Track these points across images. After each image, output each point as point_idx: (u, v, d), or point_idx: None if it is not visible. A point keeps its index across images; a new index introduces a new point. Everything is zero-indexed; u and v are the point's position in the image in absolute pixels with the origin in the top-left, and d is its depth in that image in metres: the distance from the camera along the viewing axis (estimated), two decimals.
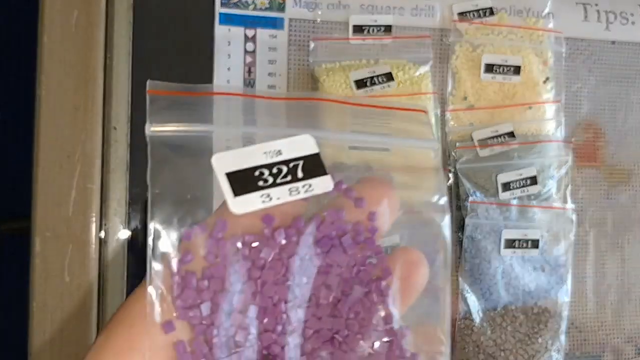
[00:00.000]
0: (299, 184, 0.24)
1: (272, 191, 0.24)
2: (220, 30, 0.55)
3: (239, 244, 0.24)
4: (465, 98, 0.55)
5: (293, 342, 0.24)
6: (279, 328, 0.24)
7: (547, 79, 0.56)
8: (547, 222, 0.55)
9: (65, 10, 0.53)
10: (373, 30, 0.55)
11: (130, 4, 0.55)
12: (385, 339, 0.25)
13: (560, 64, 0.57)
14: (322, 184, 0.25)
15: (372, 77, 0.53)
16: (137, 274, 0.54)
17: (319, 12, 0.55)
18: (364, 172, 0.27)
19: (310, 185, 0.24)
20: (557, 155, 0.56)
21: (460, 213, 0.55)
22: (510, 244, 0.54)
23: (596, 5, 0.59)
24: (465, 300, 0.54)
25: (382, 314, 0.25)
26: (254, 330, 0.24)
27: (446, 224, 0.26)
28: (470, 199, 0.54)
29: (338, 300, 0.25)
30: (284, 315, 0.24)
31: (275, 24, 0.56)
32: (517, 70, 0.55)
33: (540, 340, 0.54)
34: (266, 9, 0.56)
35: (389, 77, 0.53)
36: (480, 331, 0.53)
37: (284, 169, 0.24)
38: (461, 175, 0.54)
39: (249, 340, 0.24)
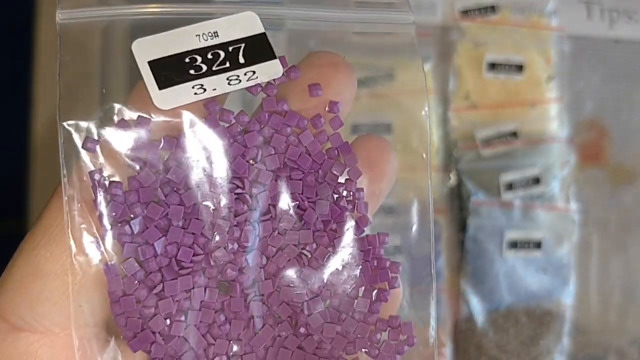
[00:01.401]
0: (240, 71, 0.20)
1: (207, 80, 0.20)
2: None
3: (171, 146, 0.20)
4: (467, 97, 0.55)
5: (253, 262, 0.20)
6: (234, 246, 0.20)
7: (551, 77, 0.55)
8: (550, 223, 0.55)
9: None
10: None
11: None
12: (360, 249, 0.21)
13: (564, 63, 0.56)
14: (269, 70, 0.21)
15: (373, 77, 0.52)
16: None
17: None
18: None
19: (254, 72, 0.20)
20: (560, 155, 0.55)
21: (462, 214, 0.54)
22: (513, 245, 0.54)
23: (599, 3, 0.58)
24: (467, 302, 0.53)
25: (354, 221, 0.21)
26: (200, 250, 0.20)
27: (425, 113, 0.22)
28: (473, 199, 0.53)
29: (304, 210, 0.21)
30: (237, 230, 0.20)
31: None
32: (520, 68, 0.54)
33: (543, 342, 0.54)
34: None
35: (390, 76, 0.52)
36: (482, 333, 0.53)
37: (222, 54, 0.20)
38: (463, 175, 0.54)
39: (195, 262, 0.20)
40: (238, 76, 0.20)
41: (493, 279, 0.53)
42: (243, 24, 0.20)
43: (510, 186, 0.54)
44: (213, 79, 0.20)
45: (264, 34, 0.21)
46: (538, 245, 0.54)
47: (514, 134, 0.54)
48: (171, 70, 0.20)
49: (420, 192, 0.22)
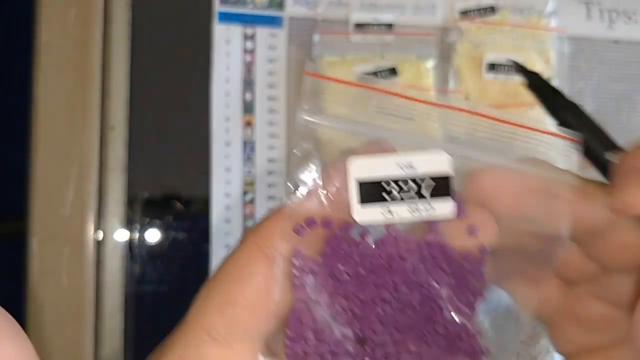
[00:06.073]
0: (421, 204, 0.23)
1: (395, 207, 0.23)
2: (219, 29, 0.54)
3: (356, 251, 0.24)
4: (467, 98, 0.55)
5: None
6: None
7: (550, 78, 0.56)
8: None
9: (62, 8, 0.53)
10: (374, 28, 0.54)
11: (128, 2, 0.54)
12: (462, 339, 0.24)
13: (563, 63, 0.56)
14: (443, 209, 0.23)
15: (375, 72, 0.53)
16: (134, 275, 0.54)
17: (319, 11, 0.55)
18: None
19: (432, 207, 0.23)
20: (560, 155, 0.55)
21: None
22: None
23: (599, 4, 0.58)
24: None
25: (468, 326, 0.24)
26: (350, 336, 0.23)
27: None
28: None
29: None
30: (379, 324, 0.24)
31: (274, 22, 0.55)
32: None
33: (542, 341, 0.54)
34: (265, 7, 0.55)
35: (392, 72, 0.53)
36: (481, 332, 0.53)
37: (412, 185, 0.24)
38: None
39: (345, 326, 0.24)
40: (419, 208, 0.23)
41: None
42: (436, 162, 0.23)
43: None
44: (399, 205, 0.23)
45: (451, 176, 0.23)
46: None
47: None
48: (372, 191, 0.24)
49: None
